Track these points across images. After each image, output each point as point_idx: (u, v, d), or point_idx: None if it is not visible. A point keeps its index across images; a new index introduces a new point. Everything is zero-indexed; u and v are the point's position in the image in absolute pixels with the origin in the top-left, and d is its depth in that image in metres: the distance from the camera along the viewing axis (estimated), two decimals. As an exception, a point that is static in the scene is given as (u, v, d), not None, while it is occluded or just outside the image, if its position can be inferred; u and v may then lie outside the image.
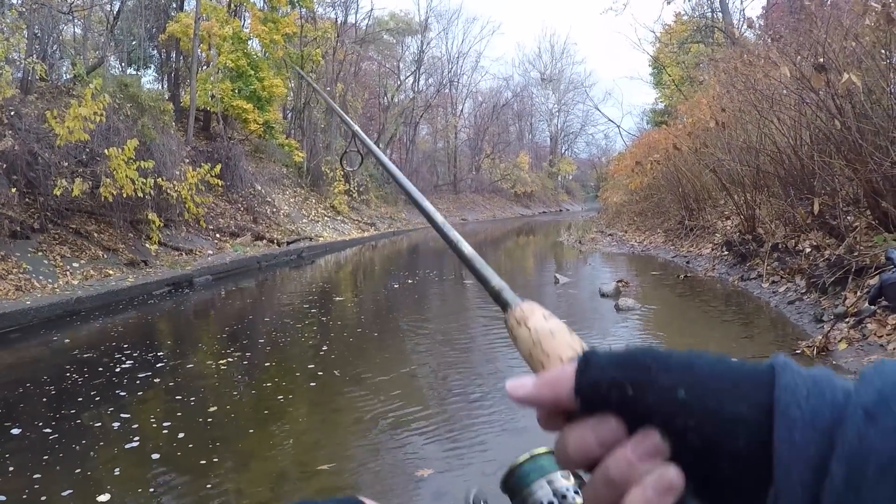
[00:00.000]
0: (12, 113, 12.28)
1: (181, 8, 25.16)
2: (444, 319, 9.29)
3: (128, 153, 12.73)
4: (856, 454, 0.34)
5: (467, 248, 0.56)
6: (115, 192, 12.64)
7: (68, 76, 17.21)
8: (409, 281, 13.37)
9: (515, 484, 0.67)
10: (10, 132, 11.60)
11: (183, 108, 22.47)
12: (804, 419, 0.36)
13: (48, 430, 4.82)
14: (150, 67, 27.25)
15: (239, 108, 24.08)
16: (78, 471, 4.12)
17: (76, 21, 19.77)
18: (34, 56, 14.47)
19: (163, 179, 14.57)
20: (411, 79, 49.86)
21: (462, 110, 60.71)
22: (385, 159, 0.83)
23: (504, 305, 0.49)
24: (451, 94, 57.42)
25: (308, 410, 5.32)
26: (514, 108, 67.29)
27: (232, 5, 24.96)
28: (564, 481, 0.66)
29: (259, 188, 23.08)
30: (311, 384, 5.93)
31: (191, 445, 4.53)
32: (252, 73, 24.26)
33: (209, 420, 5.02)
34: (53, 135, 12.05)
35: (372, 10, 53.55)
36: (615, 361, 0.40)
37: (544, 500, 0.64)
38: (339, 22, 35.28)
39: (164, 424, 4.92)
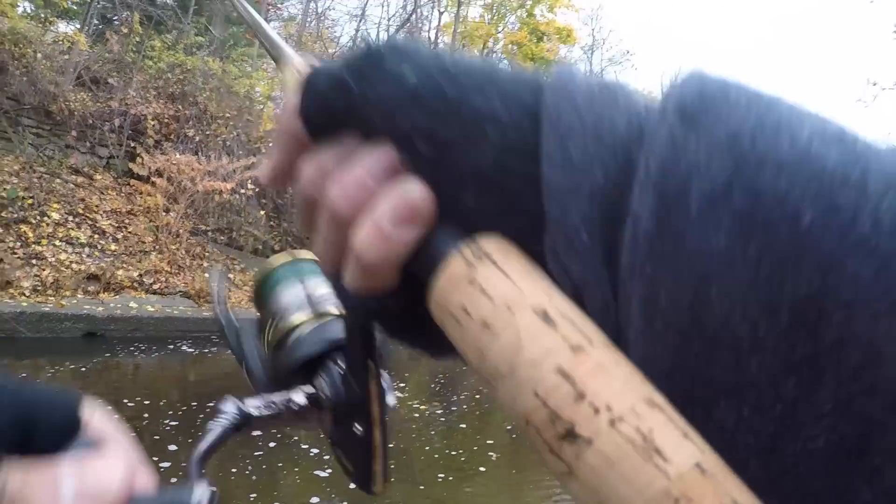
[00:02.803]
0: (270, 144, 13.11)
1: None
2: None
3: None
4: (670, 176, 0.23)
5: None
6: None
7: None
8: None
9: (265, 289, 0.56)
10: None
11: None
12: (585, 128, 0.26)
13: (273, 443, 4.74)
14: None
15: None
16: (260, 486, 3.97)
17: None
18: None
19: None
20: None
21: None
22: None
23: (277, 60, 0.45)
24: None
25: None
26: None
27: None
28: (324, 288, 0.55)
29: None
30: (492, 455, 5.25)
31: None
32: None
33: (397, 464, 4.73)
34: (304, 168, 12.78)
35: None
36: (347, 62, 0.29)
37: (291, 300, 0.54)
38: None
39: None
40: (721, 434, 0.22)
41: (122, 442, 0.37)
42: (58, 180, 9.25)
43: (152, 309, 7.88)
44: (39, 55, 10.03)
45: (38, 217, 8.43)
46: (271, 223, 12.62)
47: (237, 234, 11.18)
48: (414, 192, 0.28)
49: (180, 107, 11.33)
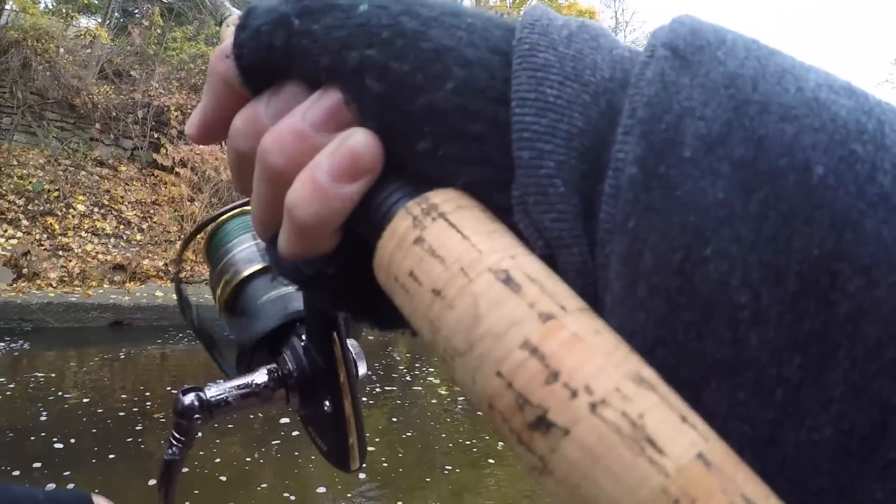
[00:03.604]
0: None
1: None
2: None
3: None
4: (660, 118, 0.20)
5: None
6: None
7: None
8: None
9: (217, 242, 0.55)
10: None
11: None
12: (563, 66, 0.23)
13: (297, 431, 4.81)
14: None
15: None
16: (272, 475, 3.99)
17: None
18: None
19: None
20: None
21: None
22: None
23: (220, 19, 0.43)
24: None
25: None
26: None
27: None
28: None
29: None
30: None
31: (401, 470, 4.30)
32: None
33: (428, 446, 4.81)
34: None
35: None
36: None
37: (242, 254, 0.51)
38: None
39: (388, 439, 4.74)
40: (711, 421, 0.19)
41: None
42: (83, 172, 9.34)
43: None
44: (62, 50, 10.12)
45: (64, 209, 8.52)
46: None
47: (262, 222, 11.22)
48: (358, 141, 0.24)
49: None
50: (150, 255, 8.66)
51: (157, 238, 9.10)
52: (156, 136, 10.52)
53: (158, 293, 7.85)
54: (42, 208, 8.27)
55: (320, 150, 0.25)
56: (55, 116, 9.63)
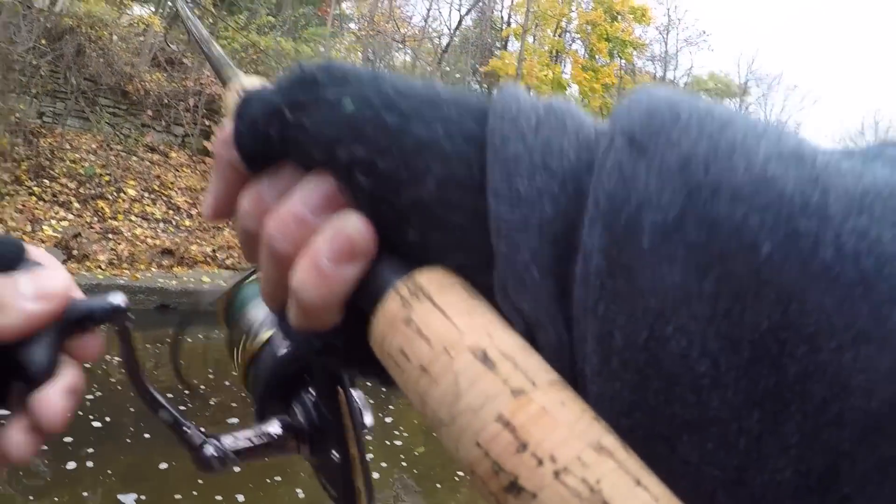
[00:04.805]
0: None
1: (505, 47, 26.23)
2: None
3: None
4: (620, 209, 0.22)
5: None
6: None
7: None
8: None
9: (233, 308, 0.57)
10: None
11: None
12: (531, 157, 0.24)
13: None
14: (471, 99, 29.72)
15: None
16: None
17: (407, 50, 21.81)
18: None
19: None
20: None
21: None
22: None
23: (224, 80, 0.47)
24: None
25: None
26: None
27: (554, 51, 25.40)
28: None
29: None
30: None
31: (432, 463, 4.25)
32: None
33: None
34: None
35: (691, 68, 53.20)
36: (281, 87, 0.28)
37: (259, 317, 0.53)
38: (657, 77, 34.63)
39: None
40: (686, 468, 0.22)
41: (60, 265, 0.40)
42: (134, 158, 9.40)
43: (224, 284, 7.85)
44: (115, 37, 10.21)
45: (115, 193, 8.57)
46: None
47: (310, 211, 11.22)
48: (353, 226, 0.26)
49: (253, 86, 11.37)
50: (198, 240, 8.65)
51: (205, 224, 9.09)
52: (207, 123, 10.56)
53: (205, 278, 7.81)
54: (93, 192, 8.32)
55: (317, 231, 0.26)
56: (108, 102, 9.71)
